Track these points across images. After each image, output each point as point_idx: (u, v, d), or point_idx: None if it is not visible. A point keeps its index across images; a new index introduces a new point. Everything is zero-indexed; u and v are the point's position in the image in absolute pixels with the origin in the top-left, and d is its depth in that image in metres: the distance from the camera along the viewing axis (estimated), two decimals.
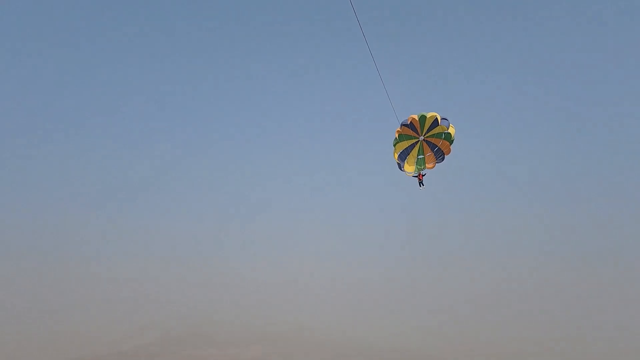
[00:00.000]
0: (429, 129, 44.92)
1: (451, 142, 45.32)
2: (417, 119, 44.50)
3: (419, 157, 45.97)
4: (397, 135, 45.92)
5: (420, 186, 47.46)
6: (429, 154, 45.63)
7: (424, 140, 45.47)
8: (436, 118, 44.46)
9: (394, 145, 46.32)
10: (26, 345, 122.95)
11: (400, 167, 47.18)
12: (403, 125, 45.27)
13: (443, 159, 46.39)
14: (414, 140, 45.61)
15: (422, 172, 47.37)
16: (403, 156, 46.32)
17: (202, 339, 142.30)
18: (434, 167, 46.47)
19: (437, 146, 45.33)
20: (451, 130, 45.02)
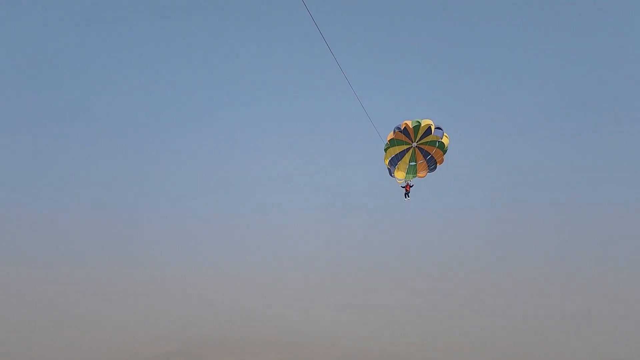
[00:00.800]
0: (423, 136, 43.06)
1: (444, 151, 43.48)
2: (411, 125, 42.66)
3: (411, 163, 44.21)
4: (388, 140, 44.12)
5: (405, 197, 45.81)
6: (421, 161, 43.83)
7: (417, 147, 43.69)
8: (430, 126, 42.59)
9: (385, 150, 44.50)
10: (44, 352, 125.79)
11: (391, 172, 45.43)
12: (396, 130, 43.43)
13: (435, 168, 44.52)
14: (407, 147, 43.79)
15: (410, 183, 45.72)
16: (394, 162, 44.51)
17: (221, 347, 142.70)
18: (425, 176, 44.66)
19: (430, 154, 43.50)
20: (445, 140, 43.13)
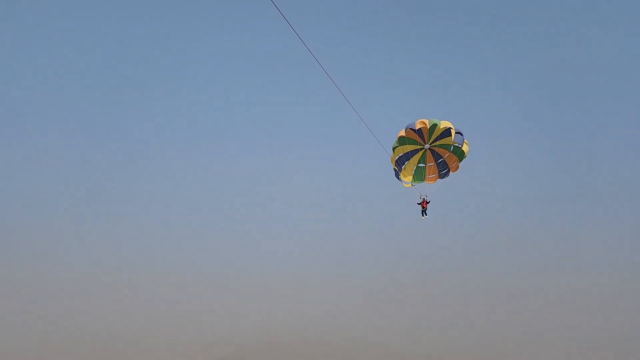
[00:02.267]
0: (438, 138, 38.16)
1: (461, 159, 38.79)
2: (427, 125, 37.61)
3: (419, 165, 39.39)
4: (398, 138, 39.23)
5: (422, 216, 41.45)
6: (431, 164, 39.09)
7: (429, 149, 38.88)
8: (449, 129, 37.55)
9: (393, 149, 39.75)
10: (100, 355, 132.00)
11: (397, 174, 40.74)
12: (409, 128, 38.27)
13: (447, 174, 39.76)
14: (418, 147, 38.97)
15: (427, 199, 41.33)
16: (401, 162, 39.71)
17: (276, 352, 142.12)
18: (435, 182, 39.96)
19: (442, 158, 38.76)
20: (464, 148, 38.46)
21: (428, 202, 41.51)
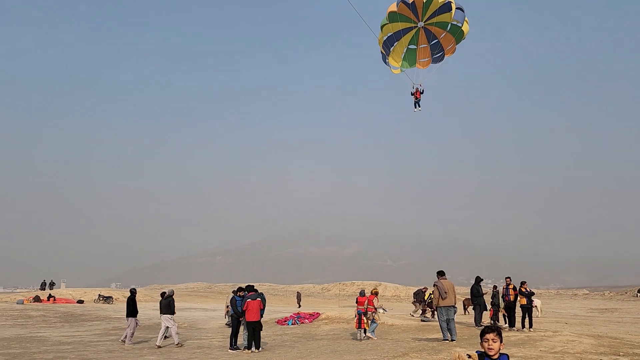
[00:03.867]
0: (434, 15, 31.52)
1: (458, 40, 32.40)
2: None
3: (410, 47, 33.35)
4: (387, 14, 32.49)
5: (415, 108, 35.09)
6: (423, 45, 32.98)
7: (423, 28, 32.42)
8: (449, 2, 30.83)
9: (381, 28, 33.21)
10: (149, 243, 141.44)
11: (385, 58, 34.60)
12: (401, 1, 31.48)
13: (442, 58, 33.64)
14: (411, 25, 32.52)
15: (420, 89, 34.89)
16: (390, 43, 33.35)
17: (303, 239, 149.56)
18: (427, 67, 34.02)
19: (437, 38, 32.48)
20: (465, 27, 32.01)
21: (422, 93, 35.45)
